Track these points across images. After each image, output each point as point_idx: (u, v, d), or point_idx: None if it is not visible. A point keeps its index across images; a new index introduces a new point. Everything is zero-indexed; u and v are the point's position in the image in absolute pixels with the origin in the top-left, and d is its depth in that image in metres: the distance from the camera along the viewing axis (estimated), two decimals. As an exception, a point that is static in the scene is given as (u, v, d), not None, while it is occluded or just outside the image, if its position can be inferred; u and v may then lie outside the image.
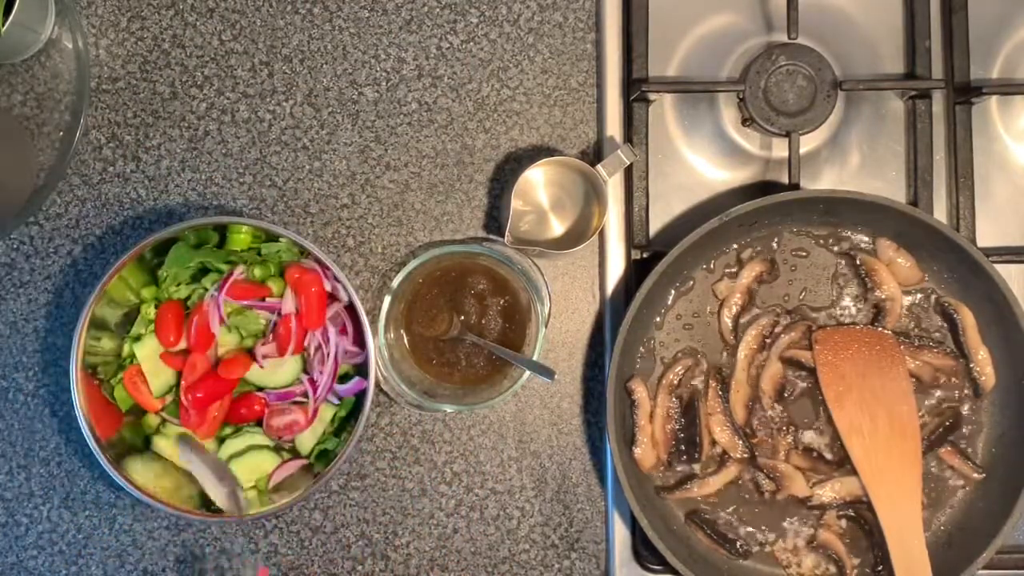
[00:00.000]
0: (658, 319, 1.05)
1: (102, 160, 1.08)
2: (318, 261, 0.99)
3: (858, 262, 1.05)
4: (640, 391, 1.03)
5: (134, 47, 1.09)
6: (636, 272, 1.06)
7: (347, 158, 1.08)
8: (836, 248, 1.06)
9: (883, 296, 1.04)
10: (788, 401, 1.05)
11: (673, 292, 1.05)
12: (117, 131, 1.08)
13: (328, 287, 1.01)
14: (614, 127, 1.09)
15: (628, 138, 1.07)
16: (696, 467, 1.04)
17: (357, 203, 1.08)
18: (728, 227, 1.01)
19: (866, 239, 1.05)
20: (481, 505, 1.07)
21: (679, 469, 1.04)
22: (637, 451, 1.03)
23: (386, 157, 1.09)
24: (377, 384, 1.05)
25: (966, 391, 1.05)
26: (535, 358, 0.99)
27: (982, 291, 1.02)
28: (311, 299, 1.00)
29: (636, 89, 1.06)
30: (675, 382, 1.04)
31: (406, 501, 1.07)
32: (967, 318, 1.04)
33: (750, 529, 1.04)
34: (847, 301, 1.06)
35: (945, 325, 1.05)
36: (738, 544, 1.04)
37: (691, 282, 1.05)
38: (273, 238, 1.01)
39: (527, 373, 0.99)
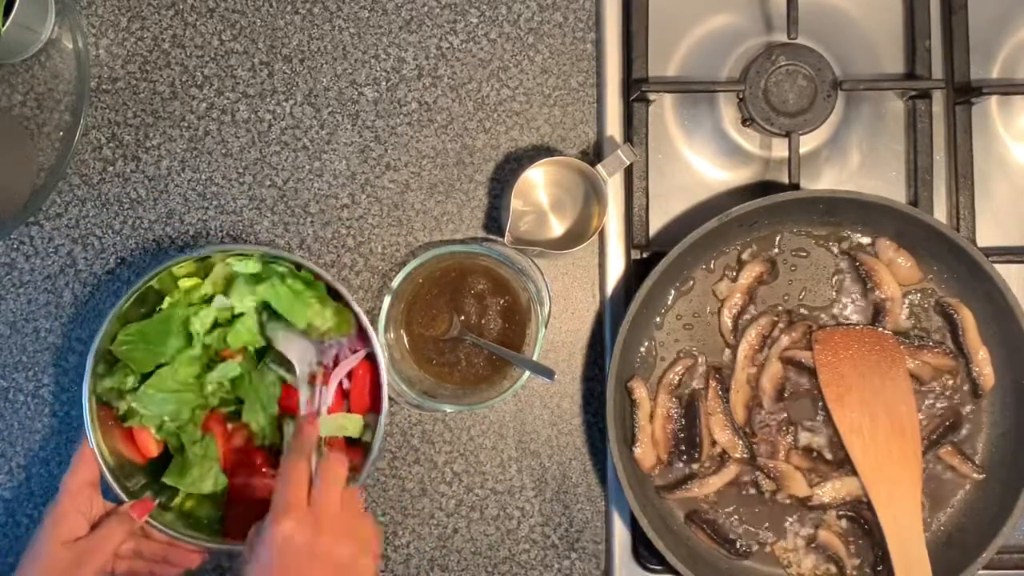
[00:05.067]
0: (658, 319, 1.05)
1: (102, 160, 1.08)
2: (330, 288, 0.98)
3: (858, 262, 1.05)
4: (640, 391, 1.03)
5: (134, 47, 1.08)
6: (636, 272, 1.06)
7: (347, 158, 1.08)
8: (836, 248, 1.05)
9: (883, 296, 1.04)
10: (788, 401, 1.05)
11: (673, 292, 1.05)
12: (117, 131, 1.08)
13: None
14: (614, 127, 1.08)
15: (628, 138, 1.07)
16: (696, 467, 1.04)
17: (357, 203, 1.08)
18: (728, 227, 1.01)
19: (866, 239, 1.05)
20: (481, 505, 1.07)
21: (679, 469, 1.04)
22: (637, 451, 1.03)
23: (386, 157, 1.09)
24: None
25: (966, 391, 1.05)
26: (535, 358, 0.99)
27: (982, 291, 1.02)
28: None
29: (636, 89, 1.06)
30: (675, 382, 1.04)
31: (406, 501, 1.07)
32: (967, 318, 1.04)
33: (750, 529, 1.04)
34: (847, 301, 1.06)
35: (945, 325, 1.05)
36: (738, 544, 1.03)
37: (691, 282, 1.05)
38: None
39: (527, 373, 0.98)
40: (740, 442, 1.03)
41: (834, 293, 1.06)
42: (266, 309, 0.98)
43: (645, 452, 1.03)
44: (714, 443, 1.04)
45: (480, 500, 1.07)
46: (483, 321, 1.02)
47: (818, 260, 1.06)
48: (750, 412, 1.04)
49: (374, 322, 1.02)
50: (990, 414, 1.05)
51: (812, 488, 1.03)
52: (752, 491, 1.04)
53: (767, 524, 1.04)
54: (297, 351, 0.97)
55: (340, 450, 0.98)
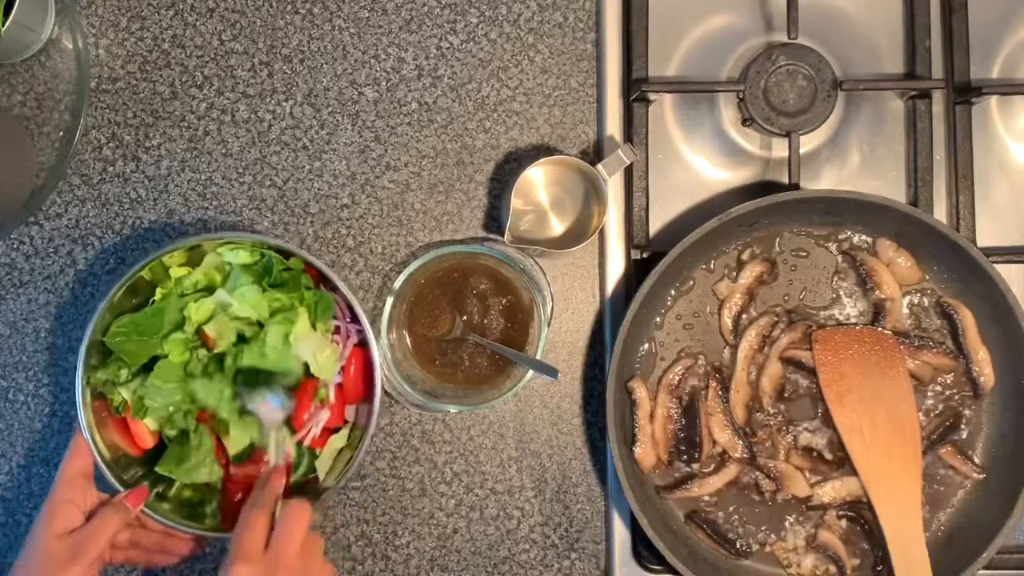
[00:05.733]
0: (658, 319, 1.05)
1: (102, 160, 1.08)
2: (323, 277, 0.98)
3: (858, 262, 1.05)
4: (640, 391, 1.03)
5: (134, 47, 1.08)
6: (636, 272, 1.06)
7: (347, 158, 1.08)
8: (836, 248, 1.05)
9: (883, 296, 1.04)
10: (788, 401, 1.04)
11: (673, 292, 1.05)
12: (117, 131, 1.08)
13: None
14: (614, 127, 1.08)
15: (628, 138, 1.07)
16: (696, 467, 1.04)
17: (357, 203, 1.08)
18: (728, 227, 1.01)
19: (866, 239, 1.05)
20: (481, 505, 1.07)
21: (679, 469, 1.04)
22: (637, 451, 1.03)
23: (386, 157, 1.08)
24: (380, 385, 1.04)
25: (966, 391, 1.05)
26: (538, 357, 0.99)
27: (982, 291, 1.02)
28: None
29: (636, 89, 1.05)
30: (675, 382, 1.04)
31: (406, 501, 1.07)
32: (967, 318, 1.04)
33: (750, 529, 1.04)
34: (847, 301, 1.06)
35: (945, 325, 1.05)
36: (738, 544, 1.03)
37: (691, 282, 1.05)
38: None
39: (530, 373, 0.98)
40: (740, 442, 1.03)
41: (834, 293, 1.05)
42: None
43: (645, 452, 1.03)
44: (714, 443, 1.04)
45: (480, 500, 1.07)
46: (485, 321, 1.02)
47: (818, 260, 1.05)
48: (750, 412, 1.04)
49: (375, 323, 1.01)
50: (990, 414, 1.05)
51: (812, 488, 1.03)
52: (752, 491, 1.04)
53: (767, 524, 1.04)
54: (266, 410, 0.97)
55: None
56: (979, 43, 1.09)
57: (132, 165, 1.08)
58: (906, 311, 1.05)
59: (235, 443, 0.99)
